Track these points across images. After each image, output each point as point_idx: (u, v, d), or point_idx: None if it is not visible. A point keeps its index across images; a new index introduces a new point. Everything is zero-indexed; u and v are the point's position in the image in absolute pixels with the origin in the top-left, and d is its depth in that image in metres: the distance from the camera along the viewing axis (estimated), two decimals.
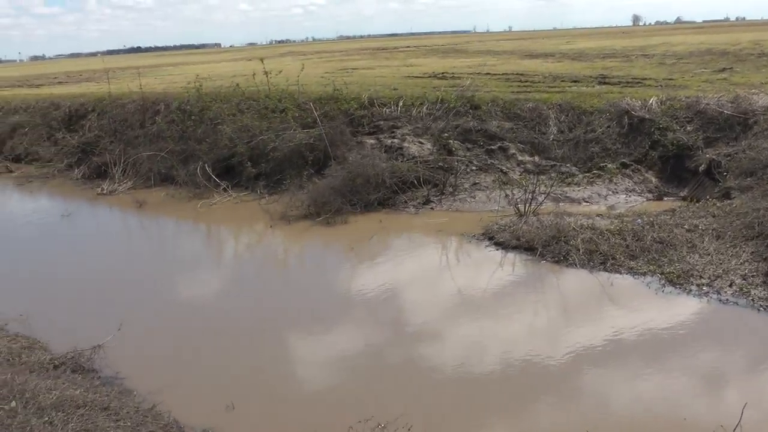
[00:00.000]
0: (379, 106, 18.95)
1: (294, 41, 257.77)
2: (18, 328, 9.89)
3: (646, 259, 10.85)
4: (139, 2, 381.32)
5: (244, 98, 20.53)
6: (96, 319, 10.43)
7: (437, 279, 11.76)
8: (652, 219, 12.43)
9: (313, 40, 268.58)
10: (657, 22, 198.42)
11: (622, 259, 10.93)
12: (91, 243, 15.93)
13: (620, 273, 10.65)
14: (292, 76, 21.08)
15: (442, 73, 26.52)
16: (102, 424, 6.51)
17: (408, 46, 62.71)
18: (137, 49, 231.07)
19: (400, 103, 18.87)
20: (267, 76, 20.51)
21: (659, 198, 15.03)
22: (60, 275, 13.38)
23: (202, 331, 10.03)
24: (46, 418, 6.31)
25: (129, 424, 6.74)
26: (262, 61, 21.28)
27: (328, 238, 14.24)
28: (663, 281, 10.15)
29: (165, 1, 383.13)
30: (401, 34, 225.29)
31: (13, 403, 6.37)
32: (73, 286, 12.64)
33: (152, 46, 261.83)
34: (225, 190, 17.74)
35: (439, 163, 16.25)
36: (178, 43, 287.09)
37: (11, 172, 24.77)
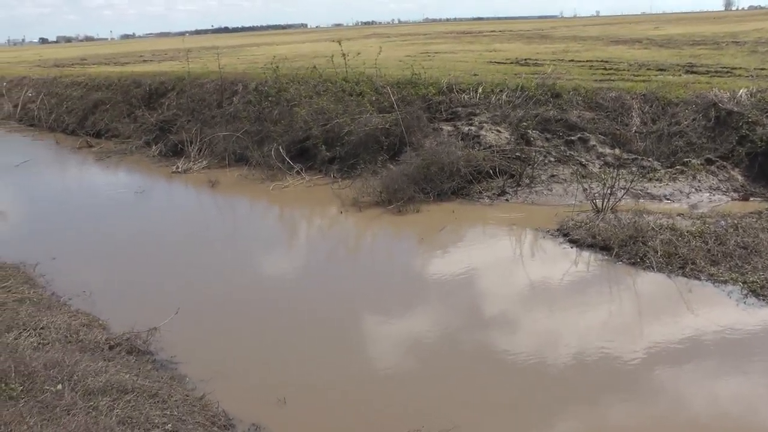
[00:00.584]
0: (457, 92, 18.86)
1: (380, 23, 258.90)
2: (80, 304, 10.22)
3: (728, 266, 10.39)
4: None
5: (322, 80, 20.79)
6: (158, 298, 10.73)
7: (509, 273, 11.61)
8: (736, 221, 11.94)
9: (399, 22, 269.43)
10: (750, 7, 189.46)
11: (703, 264, 10.48)
12: (163, 221, 16.38)
13: (699, 279, 10.22)
14: (372, 58, 21.21)
15: (525, 59, 26.21)
16: (148, 411, 6.57)
17: (493, 31, 62.20)
18: (225, 29, 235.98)
19: (480, 90, 18.73)
20: (345, 59, 20.66)
21: (745, 198, 14.35)
22: (128, 252, 13.78)
23: (265, 317, 10.16)
24: (92, 403, 6.42)
25: (176, 413, 6.78)
26: (340, 43, 21.43)
27: (400, 226, 14.26)
28: (745, 291, 9.69)
29: None
30: (487, 18, 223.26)
31: (59, 386, 6.51)
32: (139, 263, 13.00)
33: (239, 26, 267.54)
34: (298, 172, 17.97)
35: (516, 153, 16.05)
36: (264, 24, 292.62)
37: (91, 146, 25.76)
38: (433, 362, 8.50)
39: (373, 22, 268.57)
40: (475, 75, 20.49)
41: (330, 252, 13.72)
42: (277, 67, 21.79)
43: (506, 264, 12.08)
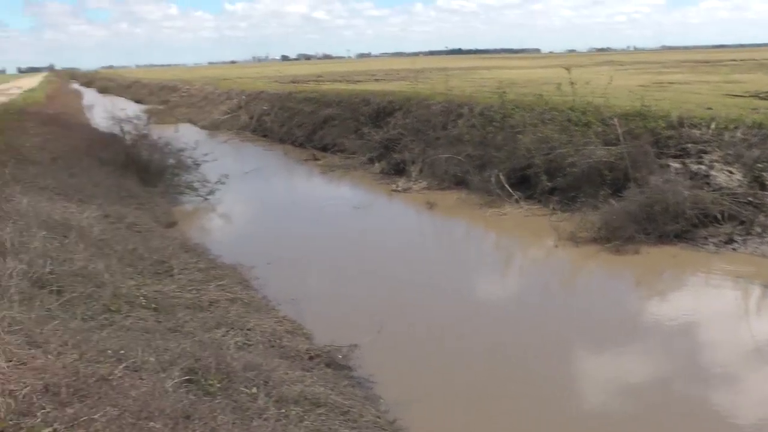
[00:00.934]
0: (688, 126, 17.99)
1: (615, 50, 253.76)
2: (288, 310, 10.80)
3: None
4: (463, 6, 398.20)
5: (548, 108, 20.67)
6: (364, 314, 11.14)
7: (732, 329, 10.80)
8: None
9: (635, 49, 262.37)
10: None
11: None
12: (377, 238, 17.02)
13: None
14: (602, 87, 20.80)
15: (766, 92, 24.51)
16: (337, 428, 6.74)
17: (733, 60, 58.47)
18: (458, 51, 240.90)
19: (712, 126, 17.71)
20: (572, 87, 20.42)
21: None
22: (340, 264, 14.49)
23: (469, 346, 10.17)
24: (283, 411, 6.69)
25: None
26: (569, 71, 21.20)
27: (616, 266, 13.80)
28: None
29: (489, 5, 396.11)
30: (729, 46, 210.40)
31: (255, 389, 6.86)
32: (350, 277, 13.61)
33: (473, 48, 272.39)
34: (517, 201, 17.96)
35: (749, 198, 15.03)
36: (498, 47, 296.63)
37: (317, 159, 27.28)
38: (647, 413, 8.14)
39: (607, 49, 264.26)
40: (708, 109, 19.42)
41: (541, 285, 13.56)
42: (504, 92, 21.93)
43: (729, 319, 11.29)
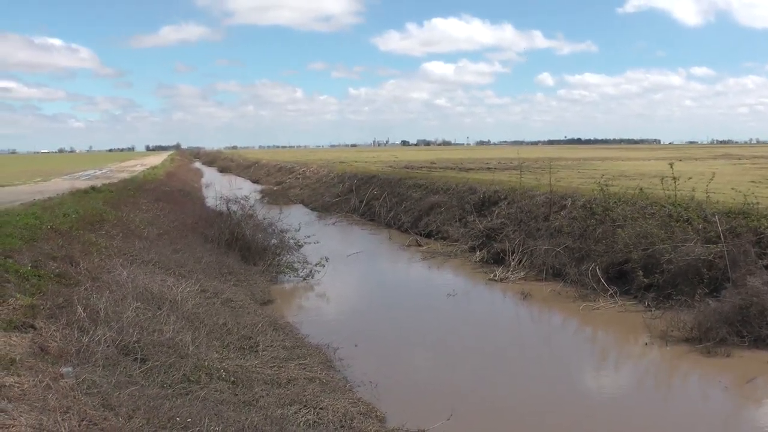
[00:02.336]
0: None
1: (736, 142, 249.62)
2: (364, 392, 11.41)
3: None
4: (584, 96, 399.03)
5: (649, 203, 20.73)
6: (439, 398, 11.63)
7: None
8: None
9: (757, 142, 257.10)
10: None
11: None
12: (468, 325, 17.45)
13: None
14: (705, 182, 20.68)
15: None
16: None
17: None
18: (577, 140, 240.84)
19: None
20: (675, 182, 20.42)
21: None
22: (426, 349, 15.11)
23: None
24: None
25: None
26: (672, 166, 21.23)
27: (705, 368, 13.66)
28: None
29: (610, 95, 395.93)
30: None
31: None
32: (433, 361, 14.19)
33: (592, 138, 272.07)
34: (612, 296, 18.03)
35: None
36: (617, 137, 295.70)
37: (420, 245, 28.00)
38: None
39: (729, 141, 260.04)
40: None
41: (632, 384, 13.55)
42: (606, 185, 22.15)
43: None
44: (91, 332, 9.62)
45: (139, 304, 11.84)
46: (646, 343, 14.97)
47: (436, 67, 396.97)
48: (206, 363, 10.25)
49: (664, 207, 19.93)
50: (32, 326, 9.19)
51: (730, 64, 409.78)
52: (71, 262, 13.44)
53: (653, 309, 16.96)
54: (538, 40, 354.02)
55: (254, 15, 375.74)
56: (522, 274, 21.52)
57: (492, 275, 21.71)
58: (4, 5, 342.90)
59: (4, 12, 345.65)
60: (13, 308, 9.71)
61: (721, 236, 17.22)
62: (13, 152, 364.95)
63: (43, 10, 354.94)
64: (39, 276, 11.78)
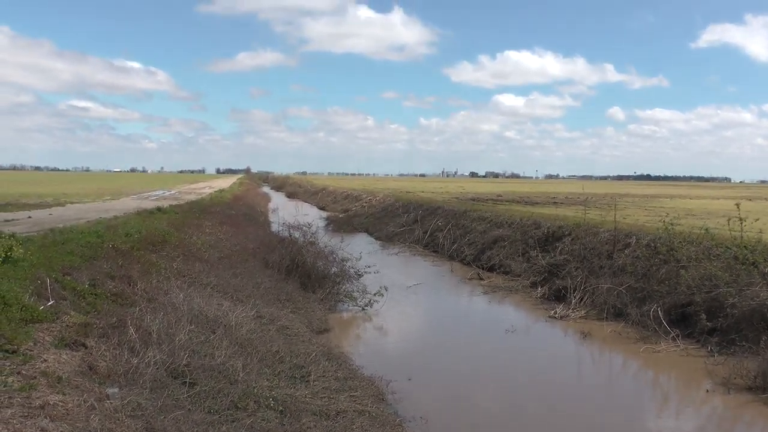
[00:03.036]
0: None
1: None
2: (414, 427, 11.40)
3: None
4: (655, 131, 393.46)
5: (714, 243, 20.27)
6: None
7: None
8: None
9: None
10: None
11: None
12: (527, 363, 17.35)
13: None
14: None
15: None
16: None
17: None
18: (647, 177, 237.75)
19: None
20: (741, 223, 19.95)
21: None
22: (482, 385, 15.11)
23: None
24: None
25: None
26: (738, 207, 20.72)
27: (766, 419, 13.32)
28: None
29: (680, 131, 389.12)
30: None
31: None
32: (487, 398, 14.16)
33: (661, 174, 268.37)
34: (674, 338, 17.63)
35: None
36: (687, 174, 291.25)
37: (481, 279, 27.86)
38: None
39: None
40: None
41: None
42: (672, 224, 21.75)
43: None
44: (141, 353, 9.78)
45: (192, 327, 12.01)
46: (708, 390, 14.61)
47: (507, 99, 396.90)
48: (255, 390, 10.33)
49: (730, 248, 19.52)
50: (83, 344, 9.40)
51: None
52: (129, 282, 13.74)
53: (716, 354, 16.54)
54: (610, 73, 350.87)
55: (329, 42, 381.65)
56: (583, 312, 21.22)
57: (552, 312, 21.49)
58: (89, 30, 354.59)
59: (88, 36, 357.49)
60: (67, 325, 9.95)
61: None
62: (87, 170, 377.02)
63: (125, 34, 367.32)
64: (95, 294, 12.06)
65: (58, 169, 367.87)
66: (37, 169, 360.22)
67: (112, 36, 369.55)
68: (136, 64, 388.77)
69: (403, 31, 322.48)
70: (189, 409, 8.92)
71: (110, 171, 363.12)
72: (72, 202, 38.38)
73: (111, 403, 7.84)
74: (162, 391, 9.00)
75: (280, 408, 10.17)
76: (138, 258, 16.49)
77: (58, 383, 7.85)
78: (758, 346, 15.54)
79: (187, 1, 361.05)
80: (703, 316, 17.63)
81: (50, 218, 25.26)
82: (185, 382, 9.77)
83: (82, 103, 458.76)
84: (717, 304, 17.69)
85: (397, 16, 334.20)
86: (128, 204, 37.60)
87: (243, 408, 9.67)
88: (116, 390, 8.22)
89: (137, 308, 11.89)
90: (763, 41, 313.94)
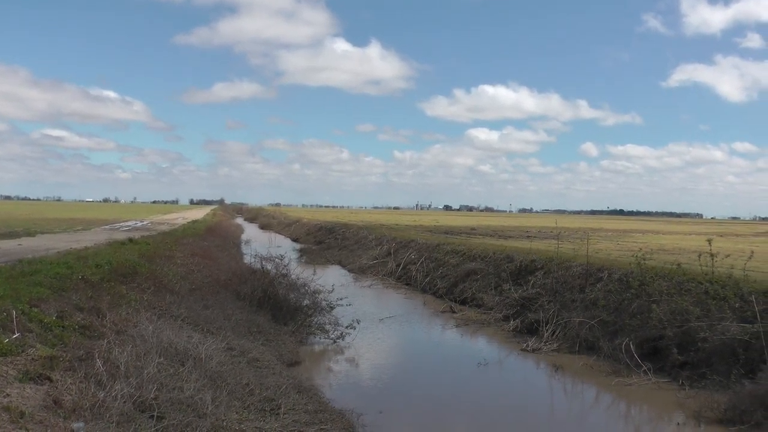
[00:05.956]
0: None
1: None
2: None
3: None
4: (628, 167, 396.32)
5: (685, 279, 20.39)
6: None
7: None
8: None
9: None
10: None
11: None
12: (498, 396, 17.33)
13: None
14: (744, 260, 20.34)
15: None
16: None
17: None
18: (620, 212, 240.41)
19: None
20: (712, 258, 20.10)
21: None
22: (452, 419, 14.96)
23: None
24: None
25: None
26: (710, 243, 20.91)
27: None
28: None
29: (653, 168, 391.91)
30: None
31: None
32: (457, 431, 13.84)
33: (634, 210, 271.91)
34: (646, 372, 17.66)
35: None
36: (660, 210, 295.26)
37: (454, 312, 27.86)
38: None
39: None
40: None
41: None
42: (644, 258, 21.88)
43: None
44: (108, 387, 9.61)
45: (162, 359, 11.86)
46: (679, 423, 14.71)
47: (482, 134, 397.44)
48: (224, 423, 10.20)
49: (701, 284, 19.63)
50: (49, 378, 9.22)
51: None
52: (98, 314, 13.56)
53: (687, 387, 16.65)
54: (584, 109, 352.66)
55: (306, 75, 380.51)
56: (555, 345, 21.23)
57: (525, 345, 21.48)
58: (64, 57, 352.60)
59: (63, 63, 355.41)
60: (32, 359, 9.76)
61: (758, 316, 16.87)
62: (59, 199, 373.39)
63: (101, 63, 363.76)
64: (63, 327, 11.87)
65: (29, 199, 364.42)
66: (8, 198, 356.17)
67: (89, 64, 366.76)
68: (112, 93, 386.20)
69: (380, 65, 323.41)
70: None
71: (83, 201, 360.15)
72: (42, 232, 37.92)
73: None
74: (129, 425, 8.84)
75: None
76: (108, 289, 16.28)
77: (20, 419, 7.67)
78: (729, 379, 15.66)
79: (164, 31, 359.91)
80: (675, 350, 17.70)
81: (19, 248, 24.92)
82: (153, 416, 9.60)
83: (56, 132, 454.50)
84: (688, 338, 17.76)
85: (374, 49, 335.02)
86: (100, 235, 37.22)
87: None
88: (81, 425, 8.03)
89: (105, 341, 11.69)
90: (733, 81, 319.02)
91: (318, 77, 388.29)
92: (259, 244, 41.25)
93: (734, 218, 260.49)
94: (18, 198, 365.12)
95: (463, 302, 29.86)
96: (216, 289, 22.79)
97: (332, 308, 22.82)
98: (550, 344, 21.34)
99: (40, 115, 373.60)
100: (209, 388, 11.42)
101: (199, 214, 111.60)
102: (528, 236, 49.28)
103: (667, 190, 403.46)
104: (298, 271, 25.29)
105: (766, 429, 13.61)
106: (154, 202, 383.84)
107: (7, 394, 8.40)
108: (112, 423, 8.65)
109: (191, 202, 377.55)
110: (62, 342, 11.03)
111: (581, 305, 22.64)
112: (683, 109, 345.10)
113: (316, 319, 22.38)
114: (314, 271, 25.87)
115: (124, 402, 9.41)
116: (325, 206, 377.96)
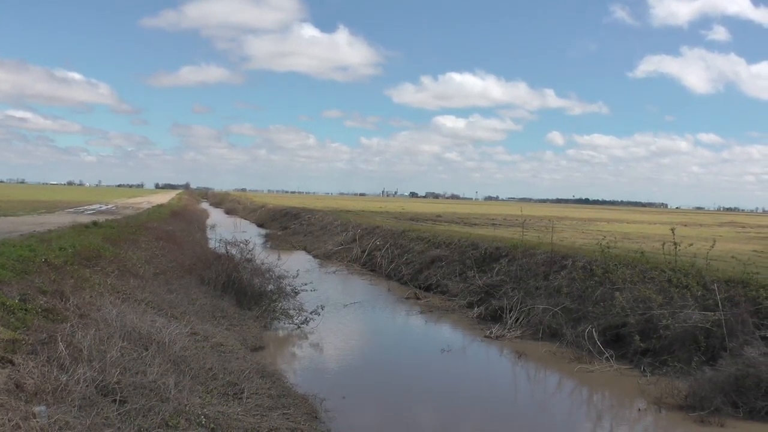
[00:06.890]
0: None
1: (743, 210, 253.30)
2: None
3: None
4: (593, 157, 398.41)
5: (649, 267, 20.60)
6: None
7: None
8: None
9: (764, 211, 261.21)
10: None
11: None
12: (461, 382, 17.29)
13: None
14: (716, 249, 20.58)
15: None
16: None
17: None
18: (585, 201, 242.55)
19: None
20: (675, 247, 20.32)
21: None
22: (415, 404, 15.04)
23: None
24: None
25: None
26: (673, 231, 21.13)
27: None
28: None
29: (618, 157, 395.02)
30: None
31: None
32: (422, 419, 14.15)
33: (600, 199, 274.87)
34: (608, 359, 17.81)
35: None
36: (625, 199, 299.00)
37: (418, 299, 27.82)
38: None
39: (735, 209, 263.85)
40: None
41: None
42: (608, 246, 22.05)
43: None
44: (71, 371, 9.46)
45: (125, 343, 11.71)
46: (640, 409, 14.81)
47: (449, 121, 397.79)
48: (187, 408, 10.08)
49: (664, 272, 19.81)
50: (11, 361, 9.04)
51: (736, 132, 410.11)
52: (61, 297, 13.34)
53: (648, 374, 16.80)
54: (551, 99, 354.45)
55: (273, 61, 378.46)
56: (518, 332, 21.31)
57: (488, 332, 21.50)
58: (28, 37, 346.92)
59: (28, 43, 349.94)
60: None
61: (720, 304, 17.08)
62: (22, 182, 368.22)
63: (66, 44, 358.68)
64: (26, 310, 11.65)
65: None
66: None
67: (54, 45, 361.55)
68: (77, 75, 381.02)
69: (348, 51, 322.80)
70: (119, 427, 8.64)
71: (47, 184, 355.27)
72: (5, 215, 37.32)
73: (37, 421, 7.53)
74: (91, 409, 8.71)
75: (212, 425, 9.93)
76: (71, 273, 16.00)
77: None
78: (689, 366, 15.85)
79: (130, 14, 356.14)
80: (637, 337, 17.83)
81: None
82: (116, 399, 9.47)
83: (20, 114, 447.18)
84: (650, 325, 17.92)
85: (342, 36, 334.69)
86: (64, 218, 36.66)
87: (174, 426, 9.42)
88: (43, 408, 7.90)
89: (68, 324, 11.50)
90: (699, 73, 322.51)
91: (285, 63, 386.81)
92: (224, 229, 41.00)
93: (699, 208, 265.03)
94: None
95: (427, 289, 29.89)
96: (180, 274, 22.55)
97: (297, 293, 22.69)
98: (513, 331, 21.41)
99: (4, 96, 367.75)
100: (172, 373, 11.29)
101: (165, 198, 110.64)
102: (493, 224, 49.45)
103: (632, 180, 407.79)
104: (263, 257, 25.13)
105: (725, 415, 13.77)
106: (119, 185, 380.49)
107: None
108: (74, 406, 8.52)
109: (157, 186, 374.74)
110: (25, 325, 10.82)
111: (545, 292, 22.76)
112: (649, 99, 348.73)
113: (280, 305, 22.21)
114: (279, 257, 25.76)
115: (87, 386, 9.27)
116: (291, 192, 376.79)
